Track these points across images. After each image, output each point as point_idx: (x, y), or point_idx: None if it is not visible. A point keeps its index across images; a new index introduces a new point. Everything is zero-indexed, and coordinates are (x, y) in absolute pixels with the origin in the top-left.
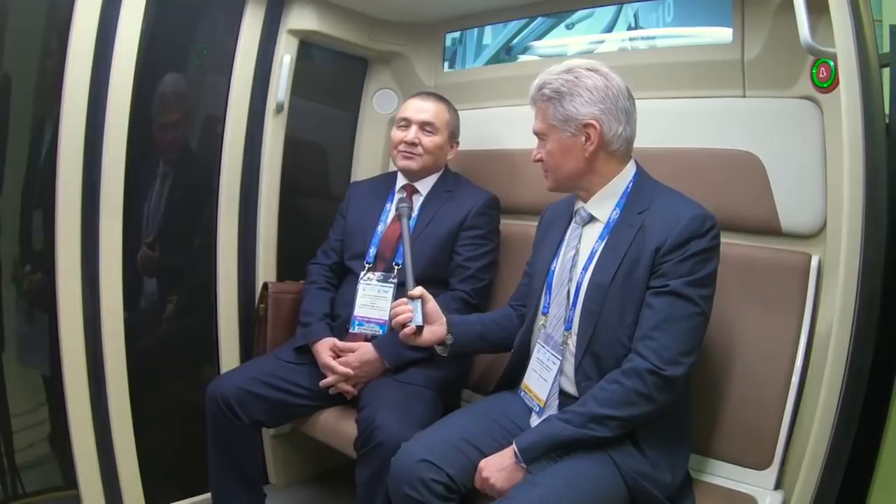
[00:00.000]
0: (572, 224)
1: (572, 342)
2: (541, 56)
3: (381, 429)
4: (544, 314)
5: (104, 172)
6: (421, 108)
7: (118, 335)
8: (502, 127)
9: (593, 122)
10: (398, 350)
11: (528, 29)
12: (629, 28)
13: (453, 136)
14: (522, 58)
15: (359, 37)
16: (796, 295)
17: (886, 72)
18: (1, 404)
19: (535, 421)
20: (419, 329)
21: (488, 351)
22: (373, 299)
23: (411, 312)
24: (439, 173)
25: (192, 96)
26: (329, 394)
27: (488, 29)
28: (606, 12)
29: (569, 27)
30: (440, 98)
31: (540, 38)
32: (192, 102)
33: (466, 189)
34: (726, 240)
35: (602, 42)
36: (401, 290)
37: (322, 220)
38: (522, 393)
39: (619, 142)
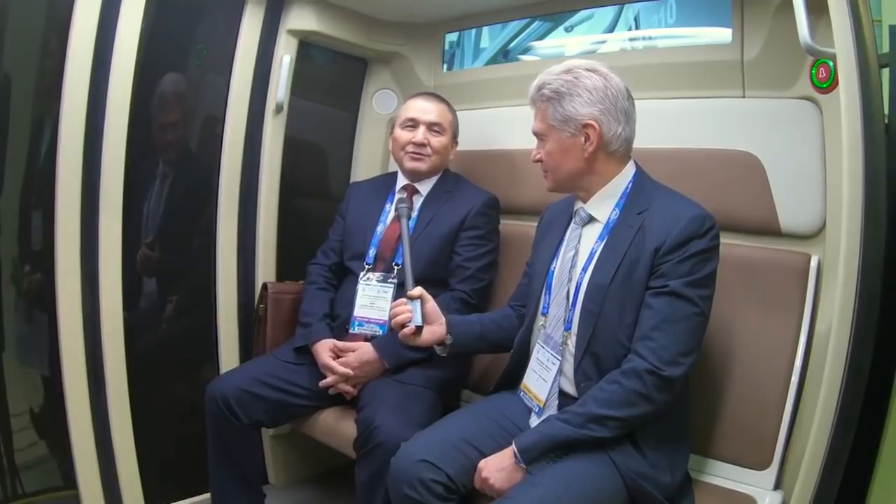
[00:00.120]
0: (572, 224)
1: (572, 342)
2: (540, 56)
3: (380, 429)
4: (544, 314)
5: (104, 172)
6: (427, 109)
7: (118, 335)
8: (502, 127)
9: (593, 122)
10: (398, 350)
11: (525, 32)
12: (629, 30)
13: (455, 137)
14: (522, 58)
15: (358, 37)
16: (796, 295)
17: (886, 72)
18: (0, 404)
19: (534, 421)
20: (419, 329)
21: (488, 351)
22: (372, 299)
23: (411, 313)
24: (439, 174)
25: (191, 96)
26: (328, 394)
27: (485, 33)
28: (606, 16)
29: (568, 30)
30: (441, 98)
31: (538, 41)
32: (192, 102)
33: (466, 189)
34: (726, 240)
35: (602, 42)
36: (400, 291)
37: (322, 221)
38: (522, 393)
39: (619, 142)
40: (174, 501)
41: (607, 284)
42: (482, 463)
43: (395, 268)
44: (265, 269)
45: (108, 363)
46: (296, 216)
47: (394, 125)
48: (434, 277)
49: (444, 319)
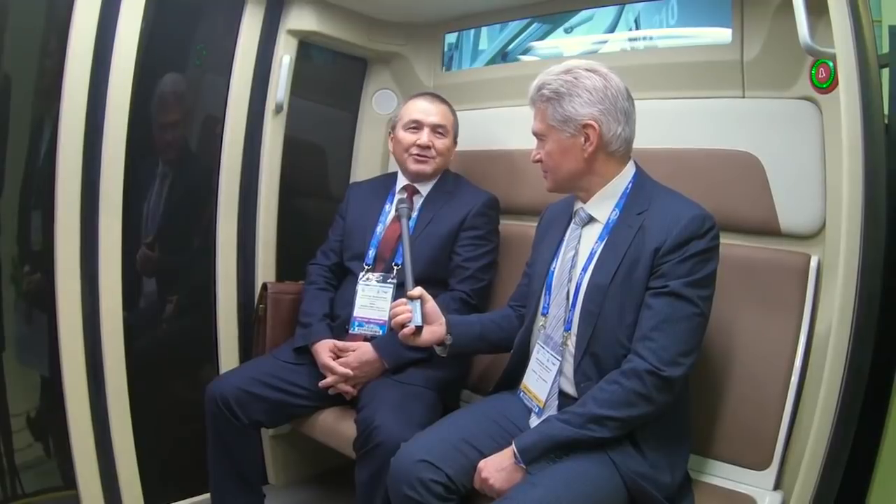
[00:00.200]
0: (571, 225)
1: (572, 343)
2: (540, 56)
3: (380, 429)
4: (544, 315)
5: (103, 172)
6: (430, 111)
7: (117, 335)
8: (502, 127)
9: (592, 122)
10: (397, 350)
11: (524, 34)
12: (629, 30)
13: (455, 138)
14: (522, 58)
15: (358, 37)
16: (795, 295)
17: (886, 72)
18: (0, 404)
19: (534, 421)
20: (418, 329)
21: (488, 351)
22: (372, 300)
23: (411, 313)
24: (440, 174)
25: (191, 96)
26: (328, 394)
27: (484, 35)
28: (605, 18)
29: (567, 31)
30: (443, 99)
31: (537, 41)
32: (192, 102)
33: (466, 189)
34: (725, 240)
35: (602, 43)
36: (400, 291)
37: (321, 221)
38: (522, 393)
39: (619, 142)
40: (174, 501)
41: (607, 285)
42: (482, 463)
43: (395, 268)
44: (265, 269)
45: (107, 363)
46: (295, 216)
47: (394, 125)
48: (434, 277)
49: (443, 320)
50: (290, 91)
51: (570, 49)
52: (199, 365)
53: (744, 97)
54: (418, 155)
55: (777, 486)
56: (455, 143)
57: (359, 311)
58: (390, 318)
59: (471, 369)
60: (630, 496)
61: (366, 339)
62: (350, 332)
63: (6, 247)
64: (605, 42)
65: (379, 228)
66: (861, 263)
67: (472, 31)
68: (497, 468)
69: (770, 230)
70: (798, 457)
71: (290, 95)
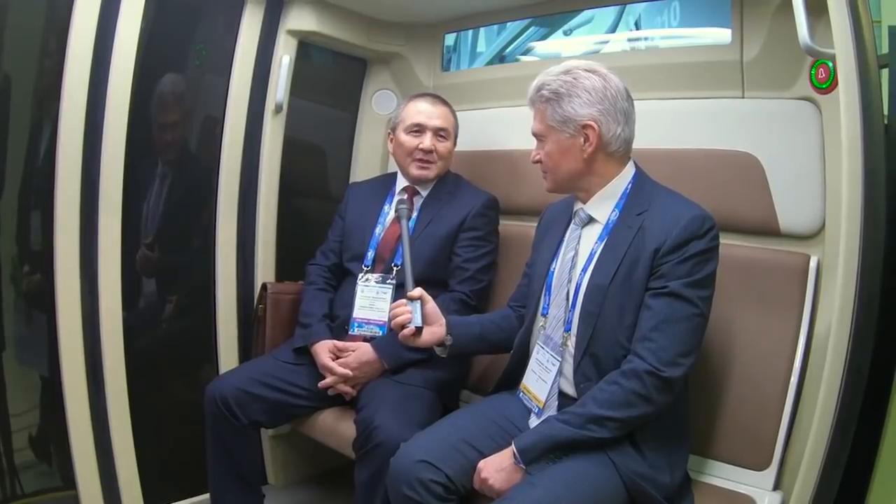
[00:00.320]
0: (571, 225)
1: (571, 343)
2: (540, 57)
3: (379, 429)
4: (544, 315)
5: (103, 172)
6: (432, 114)
7: (117, 335)
8: (501, 128)
9: (592, 123)
10: (397, 351)
11: (523, 36)
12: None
13: (456, 139)
14: (522, 58)
15: (358, 37)
16: (795, 296)
17: (885, 73)
18: (0, 404)
19: (533, 422)
20: (418, 330)
21: (487, 352)
22: (371, 301)
23: (410, 313)
24: None
25: (191, 96)
26: (328, 394)
27: (482, 37)
28: (604, 21)
29: (566, 33)
30: (444, 101)
31: (536, 42)
32: (191, 103)
33: (466, 190)
34: (725, 241)
35: (603, 43)
36: (399, 292)
37: (321, 221)
38: (521, 394)
39: (618, 143)
40: (173, 502)
41: (607, 285)
42: (481, 463)
43: (394, 269)
44: (264, 269)
45: (107, 363)
46: (295, 216)
47: (394, 126)
48: (433, 278)
49: (443, 320)
50: (290, 91)
51: (569, 49)
52: (198, 365)
53: (743, 97)
54: (421, 159)
55: (777, 487)
56: (455, 144)
57: (358, 311)
58: (390, 319)
59: (470, 370)
60: (630, 496)
61: (365, 339)
62: (349, 332)
63: (6, 247)
64: (605, 42)
65: (378, 230)
66: (860, 264)
67: (470, 35)
68: (497, 468)
69: (770, 230)
70: (798, 457)
71: (290, 96)
